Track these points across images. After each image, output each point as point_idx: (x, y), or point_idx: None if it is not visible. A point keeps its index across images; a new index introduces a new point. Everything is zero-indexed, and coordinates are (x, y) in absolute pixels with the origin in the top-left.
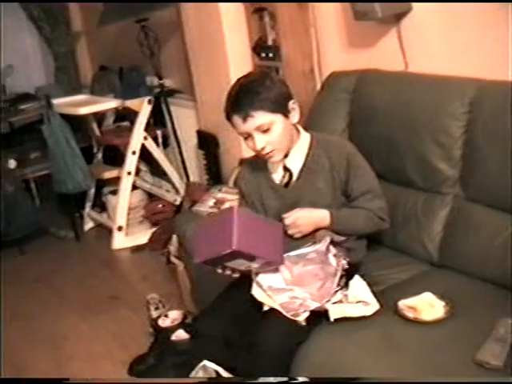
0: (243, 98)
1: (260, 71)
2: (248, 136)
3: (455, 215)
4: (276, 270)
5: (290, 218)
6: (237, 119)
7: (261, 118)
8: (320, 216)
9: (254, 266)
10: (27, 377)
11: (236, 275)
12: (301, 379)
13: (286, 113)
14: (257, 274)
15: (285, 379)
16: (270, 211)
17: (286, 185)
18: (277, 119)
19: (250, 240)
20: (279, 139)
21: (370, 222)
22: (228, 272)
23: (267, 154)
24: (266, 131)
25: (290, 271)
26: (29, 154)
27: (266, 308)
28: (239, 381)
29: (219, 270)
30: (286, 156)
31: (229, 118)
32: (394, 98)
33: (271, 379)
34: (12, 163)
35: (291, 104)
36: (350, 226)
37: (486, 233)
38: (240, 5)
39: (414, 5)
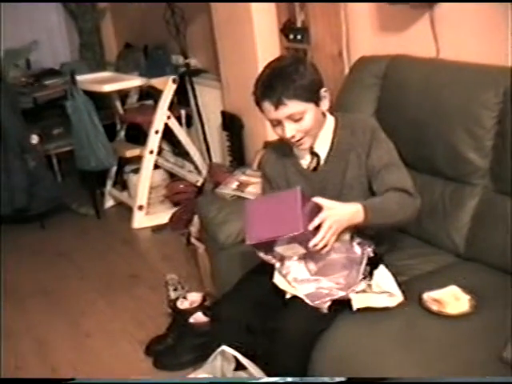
0: (277, 84)
1: (292, 55)
2: (278, 123)
3: (483, 207)
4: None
5: (322, 215)
6: (268, 106)
7: (294, 106)
8: (353, 211)
9: (301, 251)
10: (45, 349)
11: (273, 262)
12: (338, 379)
13: (317, 101)
14: (281, 265)
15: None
16: None
17: (314, 169)
18: (309, 108)
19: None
20: (309, 128)
21: (403, 202)
22: (267, 257)
23: (297, 141)
24: (297, 120)
25: (315, 262)
26: (52, 129)
27: (288, 296)
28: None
29: (261, 254)
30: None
31: (258, 103)
32: (425, 85)
33: (309, 379)
34: (35, 138)
35: (323, 92)
36: (386, 213)
37: None
38: None
39: None
